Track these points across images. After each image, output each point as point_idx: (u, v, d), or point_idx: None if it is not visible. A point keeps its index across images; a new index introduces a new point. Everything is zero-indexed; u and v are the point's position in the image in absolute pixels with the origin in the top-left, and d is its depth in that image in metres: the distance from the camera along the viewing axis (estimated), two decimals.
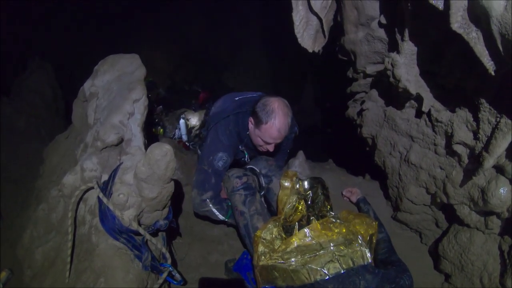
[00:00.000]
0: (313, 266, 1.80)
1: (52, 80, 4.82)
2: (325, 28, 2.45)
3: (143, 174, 1.68)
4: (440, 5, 1.55)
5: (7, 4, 4.92)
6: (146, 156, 1.67)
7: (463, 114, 1.95)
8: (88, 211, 1.88)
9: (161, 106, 5.63)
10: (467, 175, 2.00)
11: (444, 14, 1.49)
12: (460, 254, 2.17)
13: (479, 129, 1.82)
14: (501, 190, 1.80)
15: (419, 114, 2.33)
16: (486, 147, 1.75)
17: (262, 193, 2.62)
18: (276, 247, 1.98)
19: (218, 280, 2.47)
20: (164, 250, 1.93)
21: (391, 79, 2.19)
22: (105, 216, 1.71)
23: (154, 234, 1.94)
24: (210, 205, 2.44)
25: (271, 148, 2.42)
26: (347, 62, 2.96)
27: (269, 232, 2.07)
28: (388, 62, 2.17)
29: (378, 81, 2.66)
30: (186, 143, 4.70)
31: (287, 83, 7.62)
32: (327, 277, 1.76)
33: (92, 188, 1.79)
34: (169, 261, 1.92)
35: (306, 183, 2.52)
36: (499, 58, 1.37)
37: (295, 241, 1.89)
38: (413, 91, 2.11)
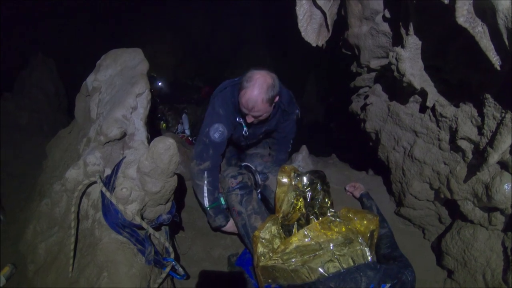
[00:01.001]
0: (312, 266, 1.81)
1: (54, 76, 4.83)
2: (329, 22, 2.42)
3: (146, 168, 1.68)
4: None
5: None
6: (149, 150, 1.67)
7: (468, 109, 1.93)
8: (91, 205, 1.88)
9: (163, 102, 5.65)
10: (471, 170, 1.99)
11: (450, 8, 1.47)
12: (463, 250, 2.17)
13: (483, 125, 1.81)
14: (505, 186, 1.79)
15: (423, 109, 2.32)
16: (491, 142, 1.73)
17: (259, 191, 2.60)
18: (275, 247, 1.98)
19: (219, 273, 2.48)
20: (167, 244, 1.93)
21: (396, 74, 2.17)
22: (108, 210, 1.72)
23: (157, 228, 1.95)
24: (205, 181, 2.40)
25: (249, 119, 2.33)
26: (350, 57, 2.94)
27: (268, 231, 2.07)
28: (393, 56, 2.15)
29: (382, 75, 2.64)
30: (189, 137, 4.71)
31: (290, 78, 7.59)
32: (327, 275, 1.77)
33: (95, 182, 1.79)
34: (172, 255, 1.92)
35: (305, 178, 2.46)
36: (505, 52, 1.35)
37: (294, 242, 1.89)
38: (417, 85, 2.09)
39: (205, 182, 2.39)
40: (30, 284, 1.93)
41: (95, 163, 1.89)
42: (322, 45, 2.55)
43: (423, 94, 2.17)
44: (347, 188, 2.89)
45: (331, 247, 1.84)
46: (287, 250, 1.88)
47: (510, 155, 1.72)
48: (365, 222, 2.06)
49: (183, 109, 5.63)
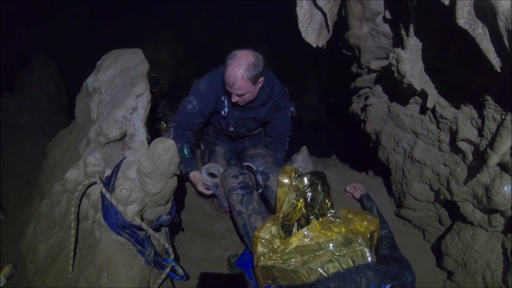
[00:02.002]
0: (312, 266, 1.80)
1: (55, 76, 4.83)
2: (329, 23, 2.42)
3: (146, 169, 1.68)
4: (446, 0, 1.53)
5: None
6: (149, 151, 1.66)
7: (468, 110, 1.93)
8: (91, 206, 1.88)
9: (164, 101, 5.64)
10: (471, 172, 1.99)
11: (450, 9, 1.47)
12: (463, 251, 2.17)
13: (484, 126, 1.81)
14: (505, 188, 1.79)
15: (423, 110, 2.32)
16: (491, 144, 1.73)
17: (259, 191, 2.60)
18: (275, 247, 1.97)
19: (218, 274, 2.48)
20: (167, 245, 1.93)
21: (396, 75, 2.17)
22: (108, 211, 1.72)
23: (157, 229, 1.95)
24: (171, 136, 2.58)
25: (233, 98, 2.38)
26: (351, 57, 2.94)
27: (267, 231, 2.07)
28: (393, 57, 2.14)
29: (382, 76, 2.64)
30: None
31: (290, 78, 7.59)
32: (327, 276, 1.76)
33: (95, 183, 1.79)
34: (172, 256, 1.92)
35: (305, 179, 2.48)
36: (506, 54, 1.35)
37: (294, 242, 1.89)
38: (417, 87, 2.09)
39: (171, 136, 2.57)
40: (30, 284, 1.93)
41: (95, 163, 1.89)
42: (323, 45, 2.55)
43: (424, 95, 2.17)
44: (347, 189, 2.89)
45: (331, 248, 1.84)
46: (287, 250, 1.88)
47: (510, 157, 1.72)
48: (365, 223, 2.05)
49: None
